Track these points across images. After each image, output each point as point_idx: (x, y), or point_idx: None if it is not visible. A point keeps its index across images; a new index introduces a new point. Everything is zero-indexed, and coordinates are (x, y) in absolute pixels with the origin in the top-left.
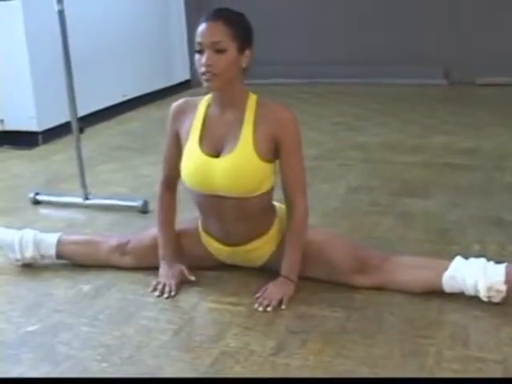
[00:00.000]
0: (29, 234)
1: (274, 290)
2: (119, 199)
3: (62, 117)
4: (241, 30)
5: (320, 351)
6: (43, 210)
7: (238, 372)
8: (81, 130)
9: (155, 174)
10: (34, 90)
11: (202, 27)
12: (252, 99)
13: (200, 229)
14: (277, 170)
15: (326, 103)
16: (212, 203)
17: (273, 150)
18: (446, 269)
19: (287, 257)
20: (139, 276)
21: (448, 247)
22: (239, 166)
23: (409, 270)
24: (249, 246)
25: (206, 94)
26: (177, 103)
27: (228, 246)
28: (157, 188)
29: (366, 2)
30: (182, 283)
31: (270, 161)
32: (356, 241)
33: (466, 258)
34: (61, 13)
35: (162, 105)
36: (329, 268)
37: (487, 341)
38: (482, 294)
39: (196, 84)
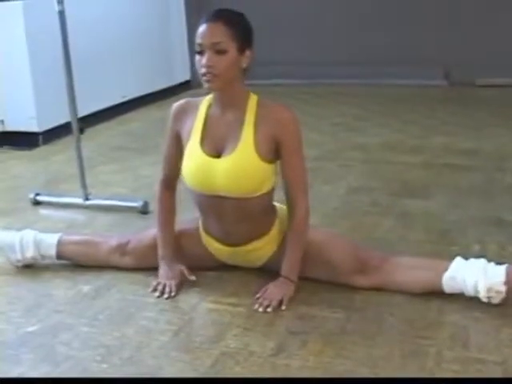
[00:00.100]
0: (29, 235)
1: (274, 291)
2: (119, 200)
3: (62, 117)
4: (241, 30)
5: (320, 352)
6: (43, 211)
7: (238, 373)
8: (81, 131)
9: (155, 174)
10: (34, 90)
11: (202, 28)
12: (253, 99)
13: (200, 229)
14: (278, 171)
15: (326, 104)
16: (213, 203)
17: (273, 151)
18: (445, 269)
19: (288, 257)
20: (139, 276)
21: (448, 248)
22: (240, 167)
23: (409, 270)
24: (249, 247)
25: (207, 94)
26: (178, 103)
27: (228, 247)
28: (156, 188)
29: (366, 3)
30: (182, 284)
31: (270, 161)
32: (356, 241)
33: (466, 258)
34: (61, 13)
35: (162, 105)
36: (329, 268)
37: (487, 342)
38: (482, 295)
39: (196, 84)
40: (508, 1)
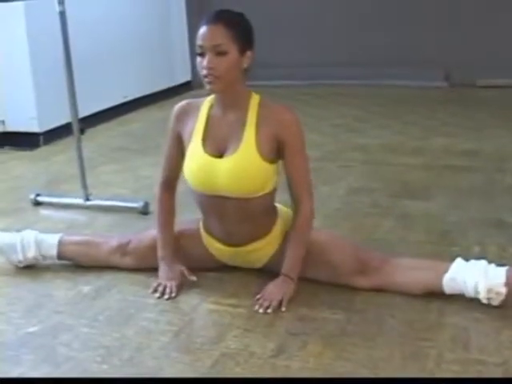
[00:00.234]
0: (30, 235)
1: (274, 291)
2: (120, 200)
3: (62, 118)
4: (241, 31)
5: (320, 353)
6: (44, 211)
7: (238, 373)
8: (82, 131)
9: (156, 175)
10: (35, 90)
11: (202, 30)
12: (254, 99)
13: (201, 229)
14: (280, 171)
15: (326, 105)
16: (214, 204)
17: (275, 151)
18: (446, 270)
19: (289, 255)
20: (139, 277)
21: (448, 249)
22: (242, 167)
23: (409, 271)
24: (250, 247)
25: (209, 95)
26: (179, 105)
27: (229, 247)
28: (156, 189)
29: (366, 4)
30: (182, 284)
31: (272, 161)
32: (356, 242)
33: (467, 259)
34: (62, 14)
35: (163, 106)
36: (329, 269)
37: (488, 343)
38: (482, 296)
39: (197, 85)
40: (508, 1)
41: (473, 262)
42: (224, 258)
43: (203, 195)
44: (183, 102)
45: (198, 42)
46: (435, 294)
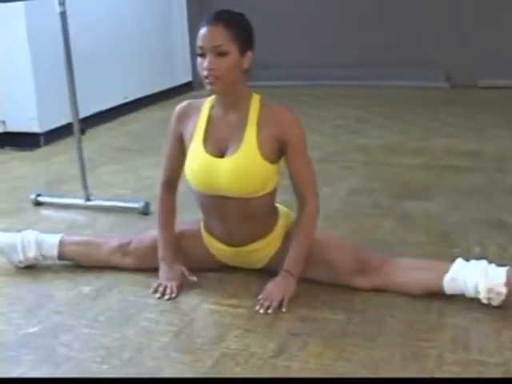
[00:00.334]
0: (30, 235)
1: (274, 290)
2: (120, 201)
3: (63, 118)
4: (241, 31)
5: (321, 354)
6: (44, 212)
7: (239, 374)
8: (82, 132)
9: (157, 175)
10: (35, 91)
11: (202, 31)
12: (255, 99)
13: (202, 229)
14: (281, 171)
15: (326, 106)
16: (215, 203)
17: (277, 151)
18: (446, 271)
19: (291, 252)
20: (140, 277)
21: (449, 249)
22: (243, 167)
23: (409, 271)
24: (251, 247)
25: (209, 95)
26: (181, 105)
27: (230, 247)
28: (157, 189)
29: (366, 5)
30: (183, 285)
31: (273, 161)
32: (357, 243)
33: (467, 260)
34: (63, 14)
35: (163, 106)
36: (329, 269)
37: (488, 344)
38: (482, 296)
39: (198, 85)
40: (509, 1)
41: (473, 262)
42: (224, 259)
43: (204, 195)
44: (184, 103)
45: (199, 42)
46: (435, 295)
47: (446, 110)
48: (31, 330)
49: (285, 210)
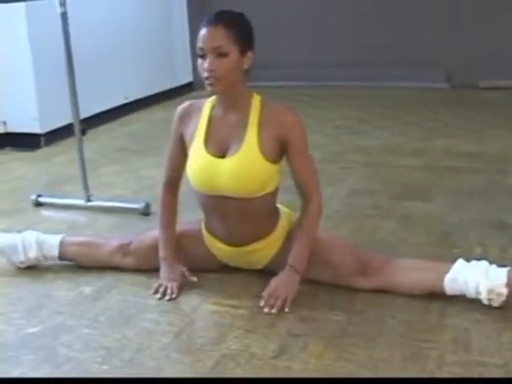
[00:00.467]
0: (31, 236)
1: (279, 287)
2: (121, 201)
3: (64, 119)
4: (242, 32)
5: (321, 354)
6: (45, 212)
7: (239, 374)
8: (83, 132)
9: (158, 176)
10: (36, 91)
11: (202, 32)
12: (256, 100)
13: (203, 229)
14: (283, 172)
15: (327, 106)
16: (216, 204)
17: (278, 151)
18: (447, 271)
19: (296, 248)
20: (140, 278)
21: (449, 250)
22: (244, 167)
23: (410, 272)
24: (252, 247)
25: (210, 95)
26: (182, 106)
27: (231, 247)
28: (158, 189)
29: (367, 5)
30: (183, 285)
31: (275, 161)
32: (357, 243)
33: (468, 261)
34: (63, 15)
35: (164, 107)
36: (330, 269)
37: (489, 345)
38: (483, 296)
39: (199, 86)
40: (509, 2)
41: (474, 262)
42: (225, 259)
43: (205, 195)
44: (186, 103)
45: (199, 44)
46: (436, 295)
47: (447, 110)
48: (32, 331)
49: (286, 210)
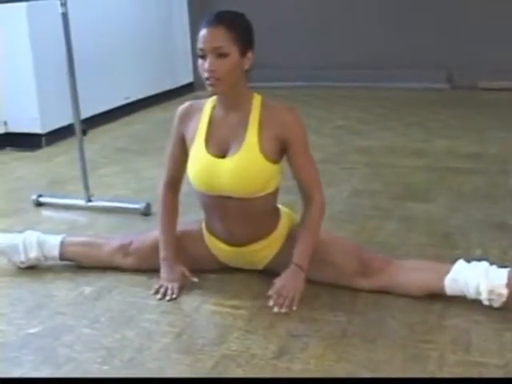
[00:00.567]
0: (32, 236)
1: (286, 285)
2: (122, 201)
3: (65, 119)
4: (242, 32)
5: (321, 355)
6: (46, 212)
7: (239, 375)
8: (84, 133)
9: (158, 176)
10: (37, 91)
11: (203, 33)
12: (257, 100)
13: (204, 230)
14: (283, 172)
15: (328, 107)
16: (217, 204)
17: (278, 151)
18: (447, 272)
19: (299, 247)
20: (141, 278)
21: (450, 251)
22: (245, 167)
23: (411, 272)
24: (252, 247)
25: (211, 96)
26: (183, 106)
27: (232, 247)
28: (159, 189)
29: (368, 6)
30: (184, 286)
31: (275, 161)
32: (359, 244)
33: (468, 261)
34: (64, 15)
35: (165, 107)
36: (331, 270)
37: (489, 346)
38: (484, 297)
39: (199, 86)
40: (509, 2)
41: (474, 263)
42: (226, 259)
43: (206, 195)
44: (186, 104)
45: (199, 44)
46: (436, 296)
47: (448, 111)
48: (32, 331)
49: (287, 210)
